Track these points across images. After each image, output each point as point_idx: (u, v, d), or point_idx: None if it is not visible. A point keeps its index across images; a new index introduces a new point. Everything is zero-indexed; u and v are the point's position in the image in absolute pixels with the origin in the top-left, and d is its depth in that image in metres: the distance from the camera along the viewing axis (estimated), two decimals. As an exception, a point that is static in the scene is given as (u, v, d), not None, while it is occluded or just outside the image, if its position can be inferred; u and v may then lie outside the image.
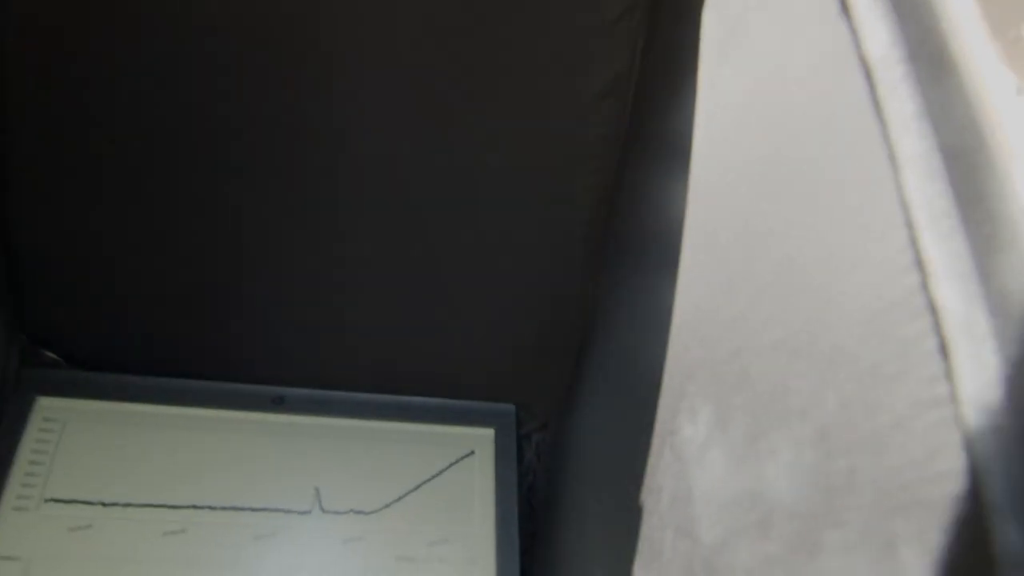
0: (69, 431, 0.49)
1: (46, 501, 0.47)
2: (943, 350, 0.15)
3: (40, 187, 0.45)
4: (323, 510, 0.49)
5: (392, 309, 0.51)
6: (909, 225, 0.16)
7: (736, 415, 0.25)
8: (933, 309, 0.15)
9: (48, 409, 0.50)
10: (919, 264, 0.16)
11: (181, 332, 0.52)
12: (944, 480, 0.14)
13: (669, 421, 0.32)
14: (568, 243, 0.47)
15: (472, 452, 0.53)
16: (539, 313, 0.52)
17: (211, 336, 0.52)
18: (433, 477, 0.52)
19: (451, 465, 0.53)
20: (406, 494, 0.51)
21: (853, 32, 0.19)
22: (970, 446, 0.14)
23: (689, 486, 0.29)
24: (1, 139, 0.43)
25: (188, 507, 0.48)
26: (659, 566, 0.31)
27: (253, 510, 0.49)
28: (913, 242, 0.16)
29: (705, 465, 0.27)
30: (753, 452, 0.23)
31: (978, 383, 0.14)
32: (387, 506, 0.50)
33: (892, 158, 0.17)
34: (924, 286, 0.16)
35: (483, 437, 0.54)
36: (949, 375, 0.15)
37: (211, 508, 0.48)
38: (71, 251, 0.48)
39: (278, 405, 0.53)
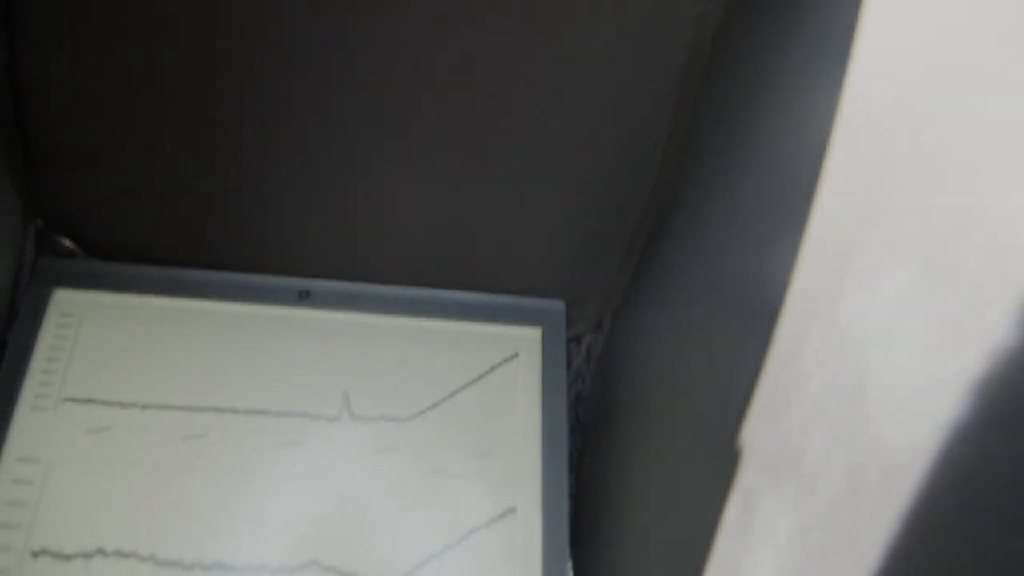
0: (87, 326, 0.46)
1: (64, 401, 0.44)
2: None
3: (54, 62, 0.41)
4: (352, 416, 0.45)
5: (429, 192, 0.45)
6: None
7: (968, 271, 0.18)
8: None
9: (65, 302, 0.46)
10: None
11: (202, 219, 0.47)
12: None
13: (822, 293, 0.25)
14: (654, 93, 0.39)
15: (516, 354, 0.48)
16: (600, 197, 0.44)
17: (233, 224, 0.47)
18: (472, 382, 0.47)
19: (493, 369, 0.47)
20: (442, 400, 0.46)
21: None
22: None
23: (859, 374, 0.23)
24: (16, 10, 0.39)
25: (209, 410, 0.45)
26: (798, 480, 0.25)
27: (278, 415, 0.45)
28: None
29: (893, 344, 0.21)
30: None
31: None
32: (421, 413, 0.46)
33: None
34: None
35: (529, 337, 0.48)
36: None
37: (233, 411, 0.45)
38: (85, 129, 0.43)
39: (304, 299, 0.48)
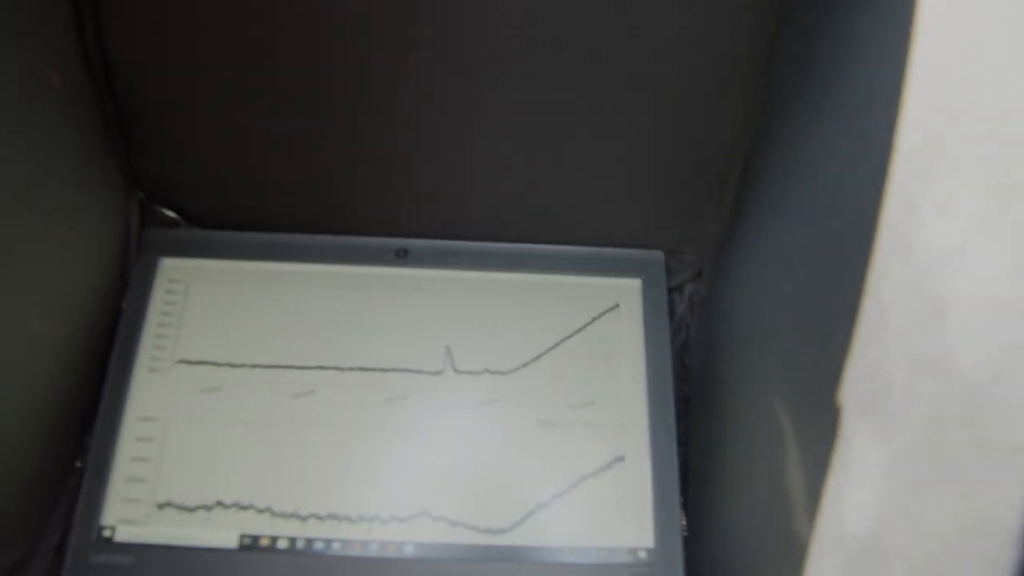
0: (194, 292, 0.47)
1: (178, 362, 0.45)
2: None
3: (143, 32, 0.41)
4: (456, 370, 0.46)
5: (524, 147, 0.44)
6: None
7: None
8: None
9: (172, 270, 0.48)
10: None
11: (298, 185, 0.48)
12: None
13: (899, 224, 0.25)
14: (734, 49, 0.38)
15: (616, 305, 0.47)
16: (690, 144, 0.43)
17: (329, 187, 0.48)
18: (574, 333, 0.46)
19: (593, 320, 0.47)
20: (544, 352, 0.46)
21: None
22: None
23: (939, 301, 0.22)
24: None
25: (315, 368, 0.45)
26: (888, 411, 0.24)
27: (383, 371, 0.45)
28: None
29: (968, 269, 0.21)
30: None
31: None
32: (524, 365, 0.46)
33: None
34: None
35: (629, 288, 0.48)
36: None
37: (338, 369, 0.45)
38: (180, 102, 0.44)
39: (402, 259, 0.48)
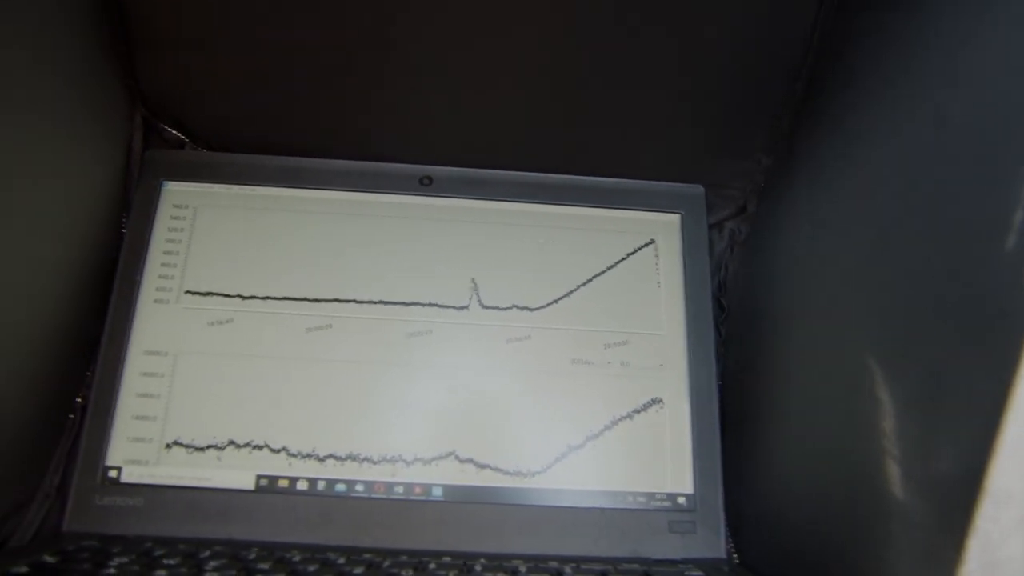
0: (201, 218, 0.44)
1: (185, 293, 0.43)
2: None
3: None
4: (482, 305, 0.43)
5: (557, 70, 0.41)
6: None
7: None
8: None
9: (177, 195, 0.45)
10: None
11: (315, 103, 0.44)
12: None
13: None
14: None
15: (651, 241, 0.44)
16: (739, 66, 0.40)
17: (349, 110, 0.44)
18: (607, 269, 0.44)
19: (628, 256, 0.44)
20: (576, 288, 0.43)
21: None
22: None
23: None
24: None
25: (332, 300, 0.43)
26: (1000, 334, 0.22)
27: (404, 304, 0.43)
28: None
29: None
30: None
31: None
32: (555, 301, 0.43)
33: None
34: None
35: (666, 224, 0.45)
36: None
37: (356, 302, 0.43)
38: (186, 7, 0.40)
39: (426, 186, 0.45)
